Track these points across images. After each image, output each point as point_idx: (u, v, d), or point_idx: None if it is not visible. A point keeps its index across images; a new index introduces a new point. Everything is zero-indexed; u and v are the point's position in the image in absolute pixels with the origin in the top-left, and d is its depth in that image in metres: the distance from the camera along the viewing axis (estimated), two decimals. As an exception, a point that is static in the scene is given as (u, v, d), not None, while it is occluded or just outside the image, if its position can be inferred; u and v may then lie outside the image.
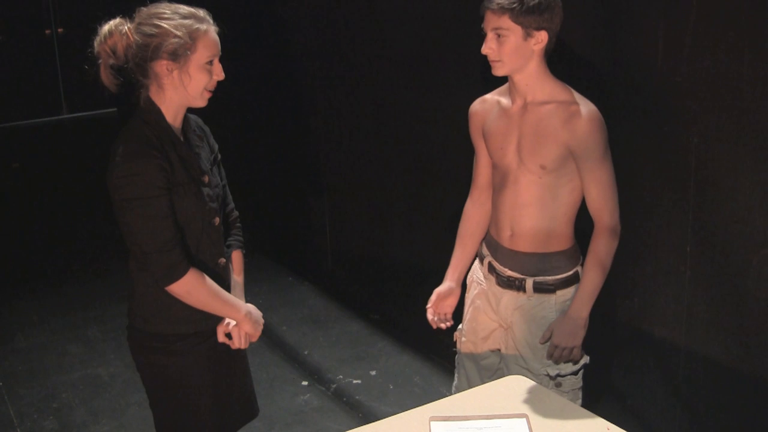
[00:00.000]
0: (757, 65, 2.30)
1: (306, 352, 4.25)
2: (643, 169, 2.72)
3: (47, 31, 5.89)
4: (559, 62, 2.95)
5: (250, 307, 2.33)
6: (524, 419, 2.05)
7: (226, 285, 2.29)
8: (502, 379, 2.38)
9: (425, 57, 3.67)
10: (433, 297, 2.63)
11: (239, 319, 2.25)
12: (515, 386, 2.27)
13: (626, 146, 2.77)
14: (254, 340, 2.33)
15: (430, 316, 2.64)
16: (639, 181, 2.73)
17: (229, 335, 2.29)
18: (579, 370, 2.47)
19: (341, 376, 3.98)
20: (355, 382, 3.93)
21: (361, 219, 4.56)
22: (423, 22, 3.66)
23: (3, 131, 5.84)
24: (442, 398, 2.31)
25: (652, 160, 2.67)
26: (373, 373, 4.00)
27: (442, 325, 2.65)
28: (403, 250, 4.03)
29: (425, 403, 2.23)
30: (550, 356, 2.40)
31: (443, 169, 3.64)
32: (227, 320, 2.27)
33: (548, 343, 2.43)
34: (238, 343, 2.27)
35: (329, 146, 4.72)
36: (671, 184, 2.61)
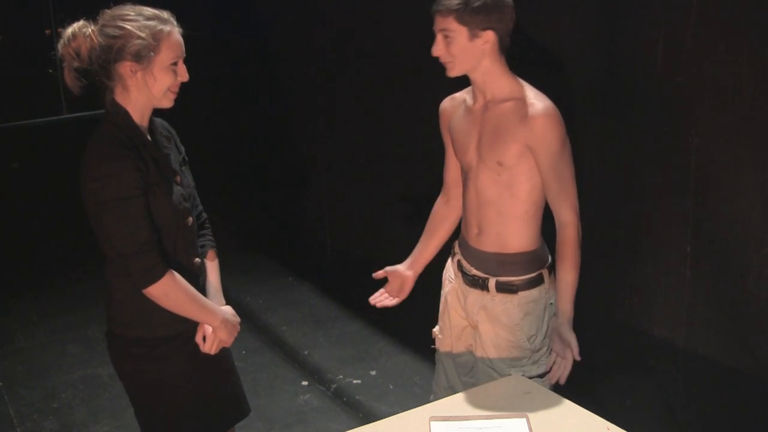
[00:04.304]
0: (757, 65, 2.30)
1: (306, 352, 4.25)
2: (643, 169, 2.72)
3: (47, 31, 5.89)
4: (560, 63, 2.95)
5: (228, 312, 2.30)
6: (524, 419, 2.05)
7: (201, 284, 2.28)
8: (502, 379, 2.38)
9: (424, 56, 3.67)
10: (381, 273, 2.69)
11: (215, 325, 2.24)
12: (515, 386, 2.27)
13: (626, 146, 2.77)
14: (227, 346, 2.31)
15: (378, 294, 2.69)
16: (639, 181, 2.74)
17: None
18: (546, 372, 2.46)
19: (341, 376, 3.98)
20: (355, 382, 3.93)
21: (360, 219, 4.56)
22: (422, 20, 3.66)
23: (3, 131, 5.83)
24: (442, 398, 2.31)
25: (652, 160, 2.67)
26: (373, 373, 4.00)
27: (386, 303, 2.68)
28: (403, 250, 4.02)
29: (425, 403, 2.23)
30: (558, 371, 2.30)
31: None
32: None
33: (518, 347, 2.45)
34: (209, 348, 2.25)
35: (329, 146, 4.72)
36: (671, 184, 2.61)
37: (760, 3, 2.28)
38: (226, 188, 5.89)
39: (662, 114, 2.60)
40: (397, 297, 2.69)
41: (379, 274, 2.70)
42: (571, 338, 2.27)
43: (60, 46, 2.09)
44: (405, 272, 2.68)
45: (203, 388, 2.29)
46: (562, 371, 2.26)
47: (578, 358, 2.26)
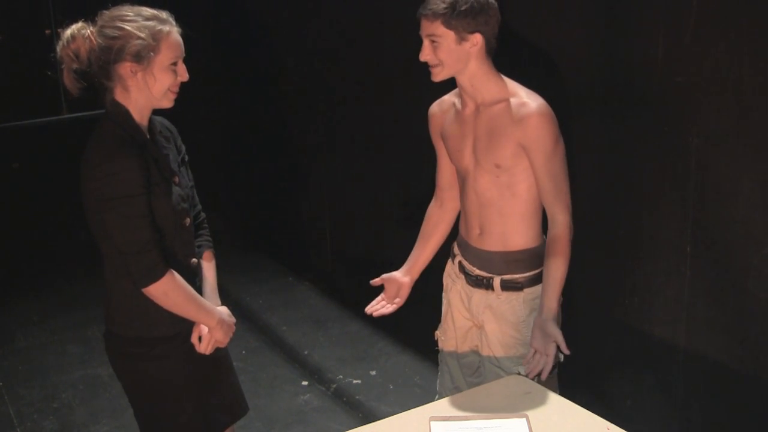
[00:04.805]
0: (757, 65, 2.30)
1: (306, 352, 4.25)
2: (643, 169, 2.72)
3: (47, 31, 5.89)
4: (560, 63, 2.95)
5: (224, 313, 2.30)
6: (524, 419, 2.05)
7: (197, 284, 2.28)
8: (502, 379, 2.38)
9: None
10: (378, 280, 2.67)
11: (212, 326, 2.24)
12: (515, 386, 2.26)
13: (626, 146, 2.77)
14: (222, 346, 2.32)
15: (374, 303, 2.67)
16: (639, 182, 2.74)
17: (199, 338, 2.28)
18: (552, 369, 2.46)
19: (341, 376, 3.98)
20: (355, 382, 3.93)
21: (360, 219, 4.56)
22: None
23: (3, 131, 5.83)
24: (442, 398, 2.31)
25: (652, 160, 2.67)
26: (373, 373, 4.00)
27: (383, 311, 2.65)
28: (402, 250, 4.02)
29: (425, 403, 2.23)
30: (542, 367, 2.28)
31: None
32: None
33: (518, 347, 2.44)
34: (205, 348, 2.25)
35: (329, 146, 4.72)
36: (671, 184, 2.61)
37: (760, 3, 2.28)
38: (226, 188, 5.89)
39: (662, 114, 2.60)
40: (394, 304, 2.67)
41: (376, 281, 2.68)
42: (557, 334, 2.26)
43: (59, 47, 2.09)
44: (401, 278, 2.67)
45: (201, 387, 2.29)
46: (542, 366, 2.24)
47: (567, 352, 2.25)
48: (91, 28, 2.08)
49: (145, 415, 2.31)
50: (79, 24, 2.09)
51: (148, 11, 2.09)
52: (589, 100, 2.88)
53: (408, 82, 3.85)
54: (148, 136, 2.16)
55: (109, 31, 2.05)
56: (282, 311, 4.73)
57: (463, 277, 2.56)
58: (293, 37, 4.88)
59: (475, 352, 2.60)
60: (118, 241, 2.06)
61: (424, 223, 2.72)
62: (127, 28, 2.04)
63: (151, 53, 2.05)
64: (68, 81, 2.10)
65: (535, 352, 2.26)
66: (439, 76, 2.35)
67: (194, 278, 2.26)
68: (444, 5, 2.25)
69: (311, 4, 4.62)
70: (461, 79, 2.37)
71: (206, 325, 2.24)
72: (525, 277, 2.45)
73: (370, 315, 2.69)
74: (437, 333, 2.72)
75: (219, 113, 5.85)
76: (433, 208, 2.71)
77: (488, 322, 2.49)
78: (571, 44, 2.92)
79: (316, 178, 4.91)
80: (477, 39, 2.29)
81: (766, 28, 2.27)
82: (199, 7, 5.30)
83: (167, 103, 2.15)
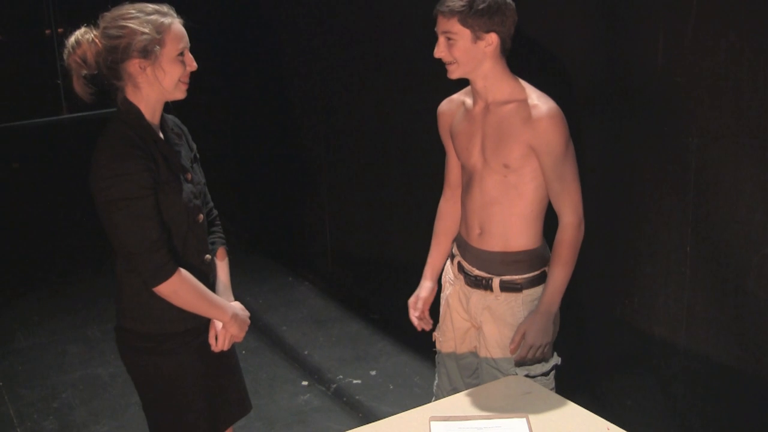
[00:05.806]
0: (757, 65, 2.30)
1: (306, 352, 4.25)
2: (643, 169, 2.72)
3: (47, 31, 5.90)
4: (560, 62, 2.95)
5: (237, 307, 2.32)
6: (524, 419, 2.05)
7: (211, 281, 2.29)
8: (502, 379, 2.38)
9: (425, 58, 3.67)
10: (415, 300, 2.69)
11: (225, 321, 2.26)
12: (515, 386, 2.27)
13: (626, 146, 2.77)
14: (239, 341, 2.34)
15: (416, 321, 2.69)
16: (639, 181, 2.74)
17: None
18: (550, 370, 2.47)
19: (341, 376, 3.98)
20: (355, 382, 3.93)
21: (361, 219, 4.56)
22: (423, 21, 3.66)
23: (3, 131, 5.83)
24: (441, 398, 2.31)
25: (652, 160, 2.67)
26: (373, 373, 4.00)
27: (426, 327, 2.69)
28: (402, 250, 4.03)
29: (425, 403, 2.23)
30: (522, 357, 2.37)
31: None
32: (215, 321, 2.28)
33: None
34: (221, 344, 2.27)
35: (329, 146, 4.72)
36: (671, 184, 2.61)
37: (760, 3, 2.28)
38: (227, 188, 5.89)
39: (662, 114, 2.60)
40: (428, 320, 2.70)
41: (421, 320, 2.69)
42: (518, 329, 2.37)
43: (65, 55, 2.10)
44: (431, 291, 2.69)
45: (210, 383, 2.31)
46: (524, 354, 2.36)
47: (509, 354, 2.38)
48: (95, 32, 2.09)
49: (153, 410, 2.33)
50: (82, 29, 2.10)
51: (149, 7, 2.11)
52: (589, 100, 2.88)
53: (409, 82, 3.85)
54: (159, 134, 2.17)
55: (113, 31, 2.06)
56: (282, 311, 4.74)
57: (462, 277, 2.55)
58: (295, 36, 4.88)
59: (474, 354, 2.60)
60: (126, 241, 2.07)
61: (438, 221, 2.71)
62: (130, 25, 2.06)
63: (157, 47, 2.07)
64: (79, 88, 2.11)
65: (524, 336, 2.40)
66: (454, 74, 2.35)
67: (208, 275, 2.28)
68: (461, 3, 2.25)
69: (315, 4, 4.62)
70: (474, 78, 2.37)
71: (220, 321, 2.26)
72: (524, 278, 2.45)
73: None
74: (435, 334, 2.72)
75: (218, 113, 5.85)
76: (445, 206, 2.70)
77: (486, 324, 2.49)
78: (571, 44, 2.92)
79: (317, 178, 4.91)
80: (492, 39, 2.29)
81: (766, 28, 2.27)
82: (203, 9, 5.30)
83: (180, 94, 2.16)
